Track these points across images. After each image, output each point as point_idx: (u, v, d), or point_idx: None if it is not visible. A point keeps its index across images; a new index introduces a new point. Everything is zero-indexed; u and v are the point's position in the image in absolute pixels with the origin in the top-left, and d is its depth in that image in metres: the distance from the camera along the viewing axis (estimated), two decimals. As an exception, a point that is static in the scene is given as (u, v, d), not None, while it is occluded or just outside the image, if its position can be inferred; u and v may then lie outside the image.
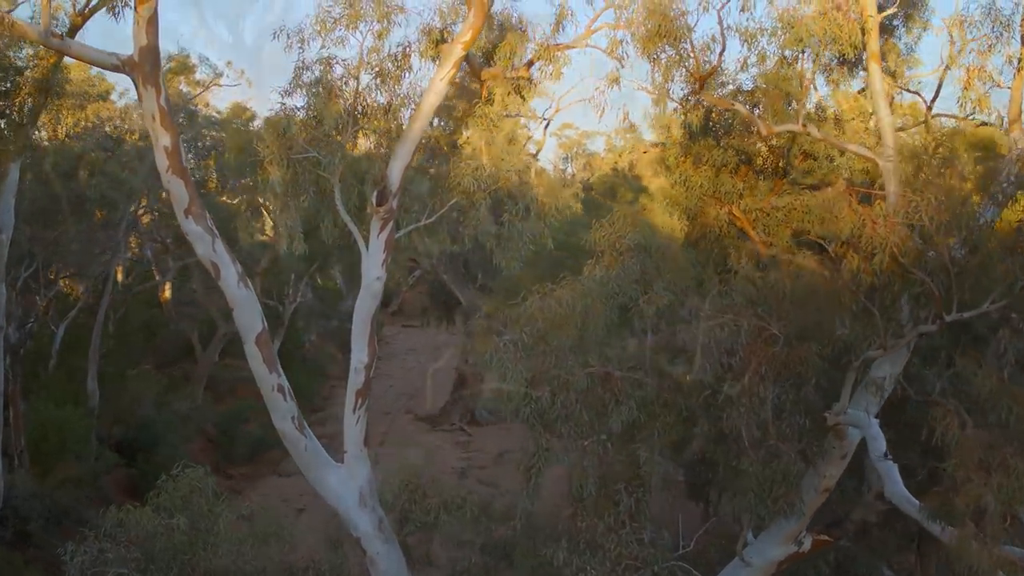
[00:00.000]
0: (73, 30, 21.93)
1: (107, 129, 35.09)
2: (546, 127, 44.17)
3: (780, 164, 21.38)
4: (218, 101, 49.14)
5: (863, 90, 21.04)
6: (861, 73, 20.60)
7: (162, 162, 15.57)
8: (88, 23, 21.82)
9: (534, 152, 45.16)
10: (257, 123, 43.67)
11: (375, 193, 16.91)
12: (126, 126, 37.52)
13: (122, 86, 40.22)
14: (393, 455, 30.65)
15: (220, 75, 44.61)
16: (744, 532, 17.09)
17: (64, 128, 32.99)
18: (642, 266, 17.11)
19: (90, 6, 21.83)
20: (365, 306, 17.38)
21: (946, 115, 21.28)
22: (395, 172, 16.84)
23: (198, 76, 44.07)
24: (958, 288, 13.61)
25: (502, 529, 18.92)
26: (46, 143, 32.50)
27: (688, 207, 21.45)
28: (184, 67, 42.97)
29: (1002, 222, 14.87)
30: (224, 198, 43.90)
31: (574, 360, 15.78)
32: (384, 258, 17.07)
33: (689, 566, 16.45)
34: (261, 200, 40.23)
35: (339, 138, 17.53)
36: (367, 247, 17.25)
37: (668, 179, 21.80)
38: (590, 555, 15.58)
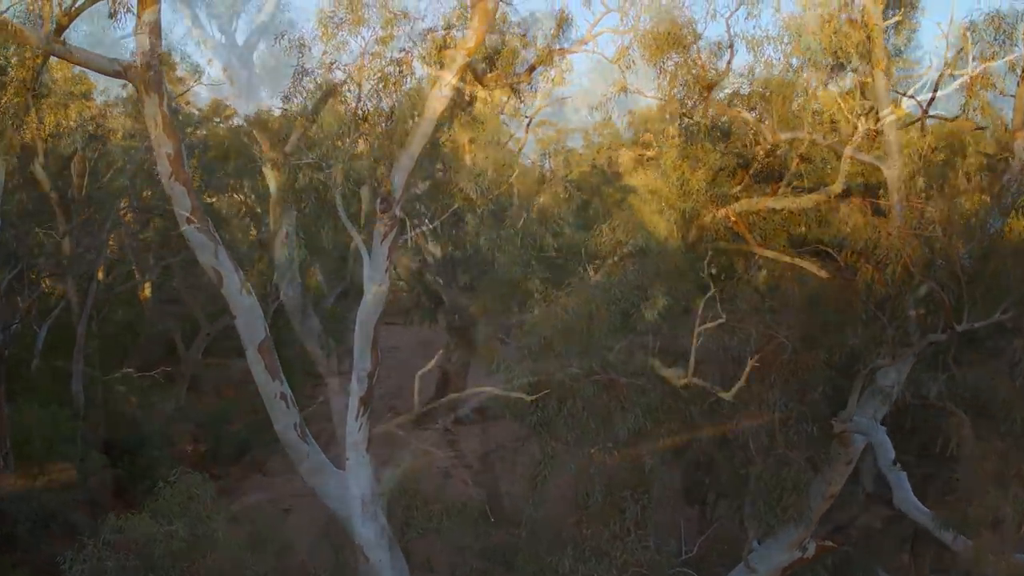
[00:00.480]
0: (60, 30, 21.57)
1: (90, 128, 34.50)
2: (528, 125, 44.02)
3: (777, 167, 21.33)
4: (196, 98, 48.42)
5: (851, 91, 21.06)
6: (850, 73, 20.65)
7: (164, 169, 15.39)
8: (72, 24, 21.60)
9: (515, 150, 45.02)
10: (237, 120, 43.28)
11: (378, 200, 16.72)
12: (108, 125, 36.92)
13: (102, 85, 39.63)
14: (383, 455, 30.47)
15: (201, 73, 44.11)
16: (750, 539, 17.09)
17: (46, 128, 32.48)
18: (643, 271, 17.10)
19: (76, 6, 21.49)
20: (367, 313, 17.12)
21: (938, 116, 21.35)
22: (398, 179, 16.64)
23: (179, 73, 43.53)
24: (968, 297, 13.65)
25: (501, 534, 18.87)
26: (28, 142, 32.00)
27: (685, 210, 21.37)
28: (165, 64, 42.41)
29: (1011, 231, 14.91)
30: (205, 196, 43.33)
31: (579, 367, 15.74)
32: (387, 265, 16.86)
33: (693, 572, 16.49)
34: (251, 204, 39.89)
35: (340, 144, 17.34)
36: (369, 254, 17.00)
37: (664, 182, 21.69)
38: (596, 562, 15.55)
